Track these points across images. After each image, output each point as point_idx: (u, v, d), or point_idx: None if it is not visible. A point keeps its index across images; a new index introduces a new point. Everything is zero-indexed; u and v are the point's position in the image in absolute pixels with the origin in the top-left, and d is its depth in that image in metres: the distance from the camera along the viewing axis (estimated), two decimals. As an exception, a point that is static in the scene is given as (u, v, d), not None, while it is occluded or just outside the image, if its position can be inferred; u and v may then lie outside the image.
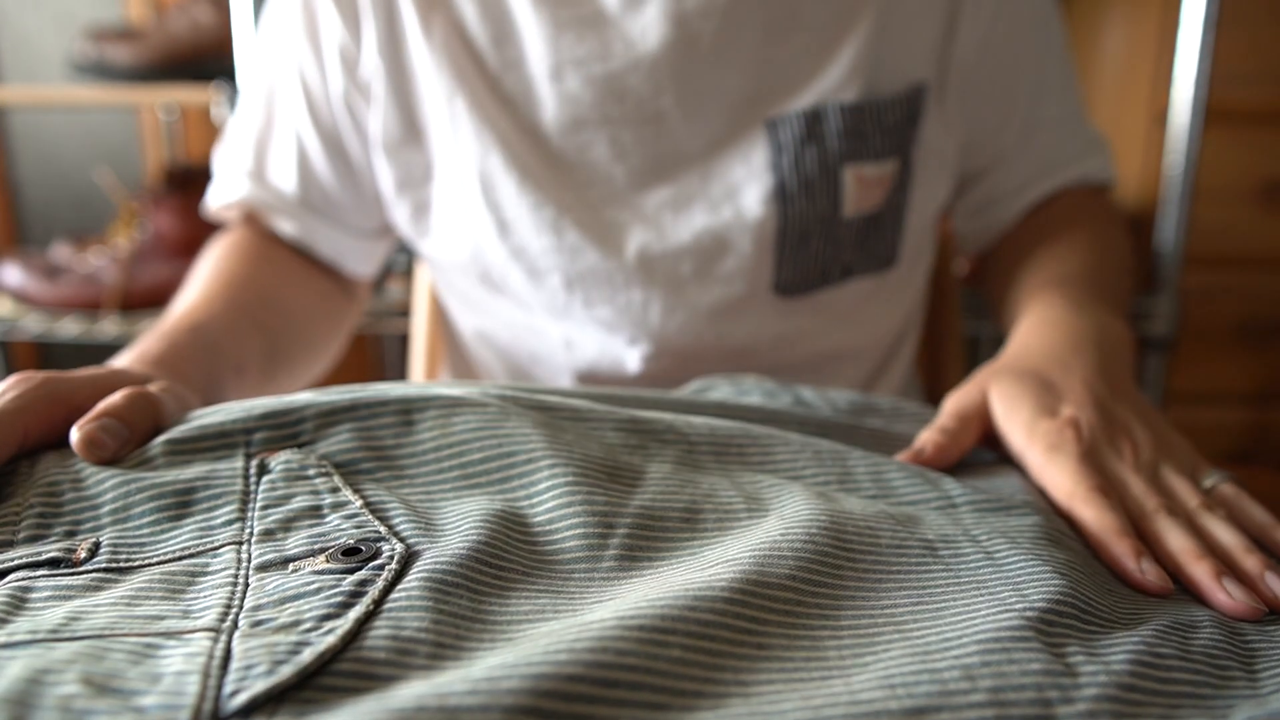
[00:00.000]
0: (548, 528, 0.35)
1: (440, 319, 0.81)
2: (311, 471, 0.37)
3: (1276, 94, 1.14)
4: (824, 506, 0.36)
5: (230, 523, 0.35)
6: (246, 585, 0.31)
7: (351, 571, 0.31)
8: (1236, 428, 1.26)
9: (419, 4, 0.64)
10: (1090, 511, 0.39)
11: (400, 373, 1.51)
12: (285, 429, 0.39)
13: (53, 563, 0.33)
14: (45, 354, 1.61)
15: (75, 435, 0.38)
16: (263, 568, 0.32)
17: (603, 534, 0.35)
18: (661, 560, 0.34)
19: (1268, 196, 1.17)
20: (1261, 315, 1.21)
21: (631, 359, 0.66)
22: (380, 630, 0.28)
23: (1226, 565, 0.37)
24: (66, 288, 1.17)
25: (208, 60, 1.23)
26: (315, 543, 0.33)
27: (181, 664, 0.26)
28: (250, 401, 0.41)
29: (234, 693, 0.25)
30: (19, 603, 0.30)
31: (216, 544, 0.34)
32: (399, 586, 0.30)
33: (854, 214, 0.64)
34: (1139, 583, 0.36)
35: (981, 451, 0.48)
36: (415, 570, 0.31)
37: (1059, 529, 0.38)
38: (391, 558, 0.32)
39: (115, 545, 0.34)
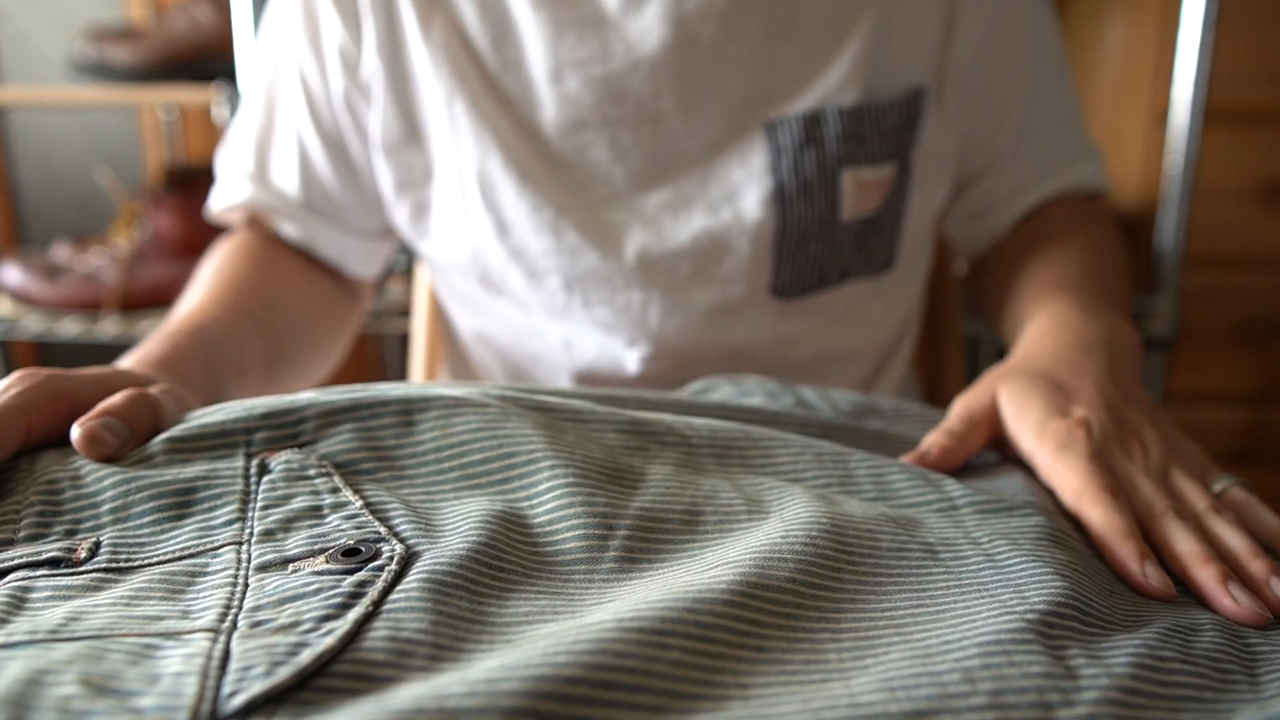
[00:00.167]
0: (548, 529, 0.35)
1: (440, 319, 0.81)
2: (312, 471, 0.37)
3: (1276, 94, 1.14)
4: (824, 509, 0.36)
5: (230, 522, 0.35)
6: (246, 585, 0.31)
7: (351, 572, 0.31)
8: (1236, 428, 1.26)
9: (419, 5, 0.64)
10: (1097, 511, 0.39)
11: (400, 373, 1.51)
12: (286, 429, 0.39)
13: (53, 562, 0.33)
14: (45, 354, 1.61)
15: (76, 432, 0.38)
16: (262, 568, 0.32)
17: (603, 536, 0.35)
18: (661, 562, 0.34)
19: (1268, 196, 1.17)
20: (1261, 315, 1.21)
21: (630, 360, 0.66)
22: (379, 631, 0.28)
23: (1233, 569, 0.37)
24: (66, 288, 1.17)
25: (208, 60, 1.23)
26: (315, 543, 0.33)
27: (180, 665, 0.26)
28: (251, 401, 0.41)
29: (232, 694, 0.25)
30: (19, 603, 0.30)
31: (216, 544, 0.34)
32: (398, 587, 0.30)
33: (852, 217, 0.64)
34: (1141, 586, 0.36)
35: (985, 453, 0.48)
36: (415, 571, 0.31)
37: (1061, 529, 0.38)
38: (391, 559, 0.31)
39: (115, 545, 0.34)
